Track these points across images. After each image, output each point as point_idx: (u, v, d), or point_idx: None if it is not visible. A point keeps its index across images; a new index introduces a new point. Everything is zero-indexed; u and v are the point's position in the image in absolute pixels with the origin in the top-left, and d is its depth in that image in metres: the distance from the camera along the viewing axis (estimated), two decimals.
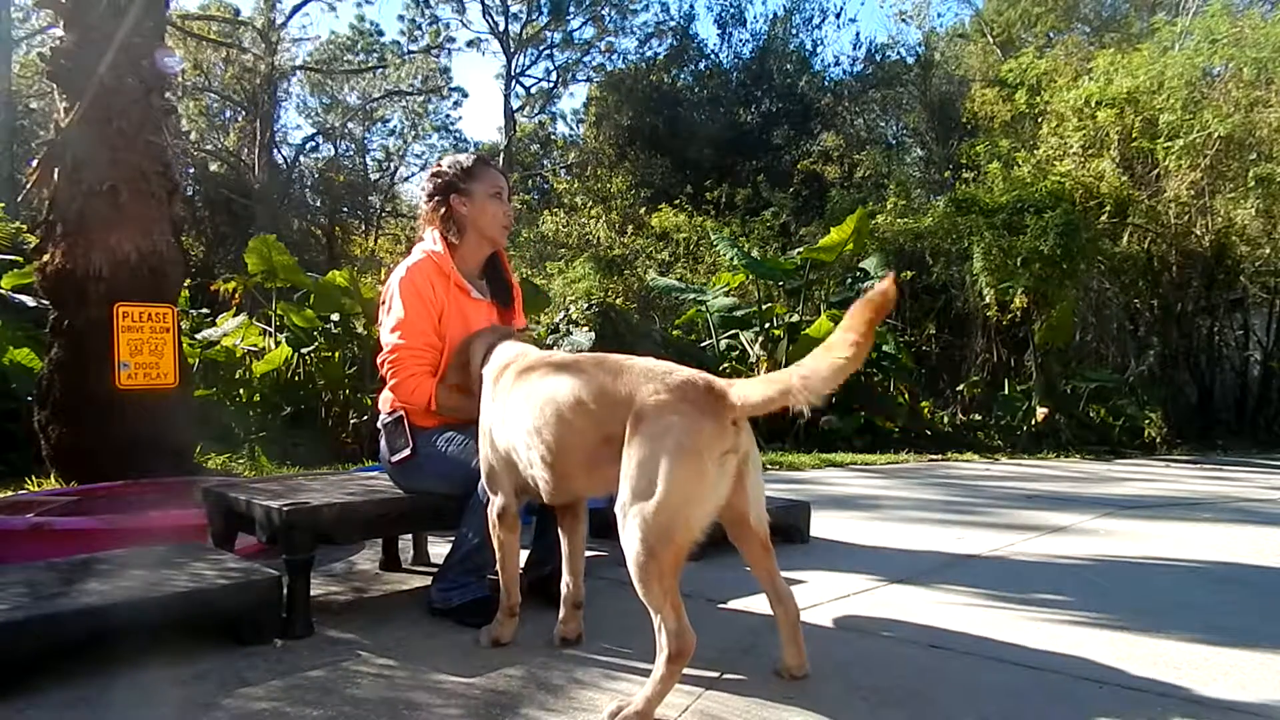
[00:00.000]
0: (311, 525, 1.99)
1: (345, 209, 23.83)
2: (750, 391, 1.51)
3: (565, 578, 1.95)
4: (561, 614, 1.95)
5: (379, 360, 2.32)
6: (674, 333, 9.99)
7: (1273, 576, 2.96)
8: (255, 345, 6.87)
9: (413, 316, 2.24)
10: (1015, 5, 15.60)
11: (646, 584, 1.47)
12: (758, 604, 2.30)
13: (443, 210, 2.35)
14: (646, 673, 1.52)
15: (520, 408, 1.78)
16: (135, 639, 1.72)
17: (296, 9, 21.82)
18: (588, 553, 2.00)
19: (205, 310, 8.13)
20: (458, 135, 25.86)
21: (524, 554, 2.15)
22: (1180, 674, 1.84)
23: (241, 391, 6.08)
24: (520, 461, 1.80)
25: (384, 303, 2.33)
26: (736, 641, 1.99)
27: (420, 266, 2.30)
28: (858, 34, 40.37)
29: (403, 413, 2.28)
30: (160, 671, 1.70)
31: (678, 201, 14.54)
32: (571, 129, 24.40)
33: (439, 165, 2.43)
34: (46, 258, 3.95)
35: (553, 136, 24.42)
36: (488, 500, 1.94)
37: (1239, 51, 9.73)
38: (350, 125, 24.74)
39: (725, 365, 8.82)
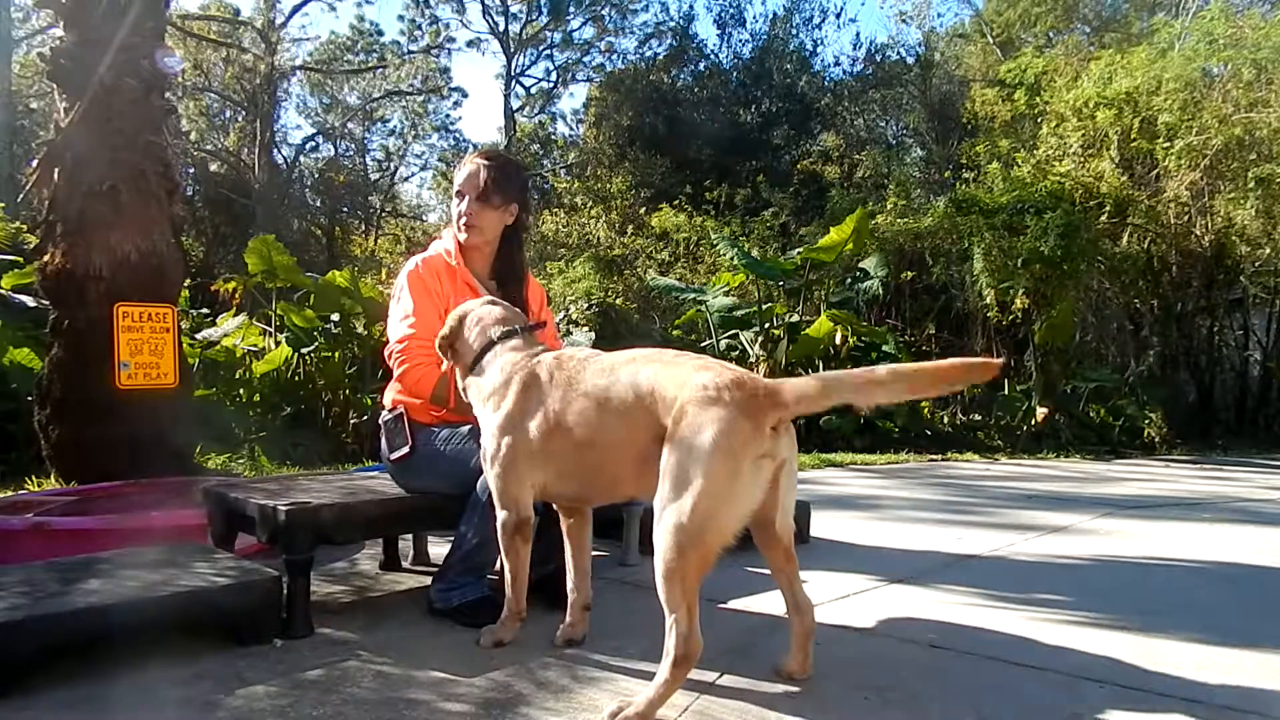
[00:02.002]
0: (311, 525, 1.98)
1: (345, 209, 23.84)
2: (807, 387, 1.52)
3: (571, 580, 1.94)
4: (569, 617, 1.95)
5: (386, 352, 2.33)
6: (674, 333, 9.98)
7: (1273, 576, 2.96)
8: (255, 345, 6.87)
9: (421, 307, 2.27)
10: (1015, 5, 15.61)
11: (669, 582, 1.46)
12: (758, 604, 2.30)
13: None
14: (647, 673, 1.52)
15: (568, 410, 1.71)
16: (135, 639, 1.72)
17: (296, 9, 21.87)
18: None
19: (205, 310, 8.12)
20: (458, 135, 25.90)
21: None
22: (1180, 674, 1.84)
23: (241, 391, 6.08)
24: (564, 469, 1.75)
25: (394, 296, 2.36)
26: (736, 641, 1.99)
27: (429, 261, 2.35)
28: (858, 34, 40.38)
29: (403, 410, 2.29)
30: (160, 671, 1.70)
31: (677, 201, 14.52)
32: (571, 129, 24.44)
33: None
34: (46, 258, 3.95)
35: (553, 136, 24.41)
36: (488, 500, 1.94)
37: (1238, 52, 9.72)
38: (350, 125, 24.75)
39: None
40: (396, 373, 2.28)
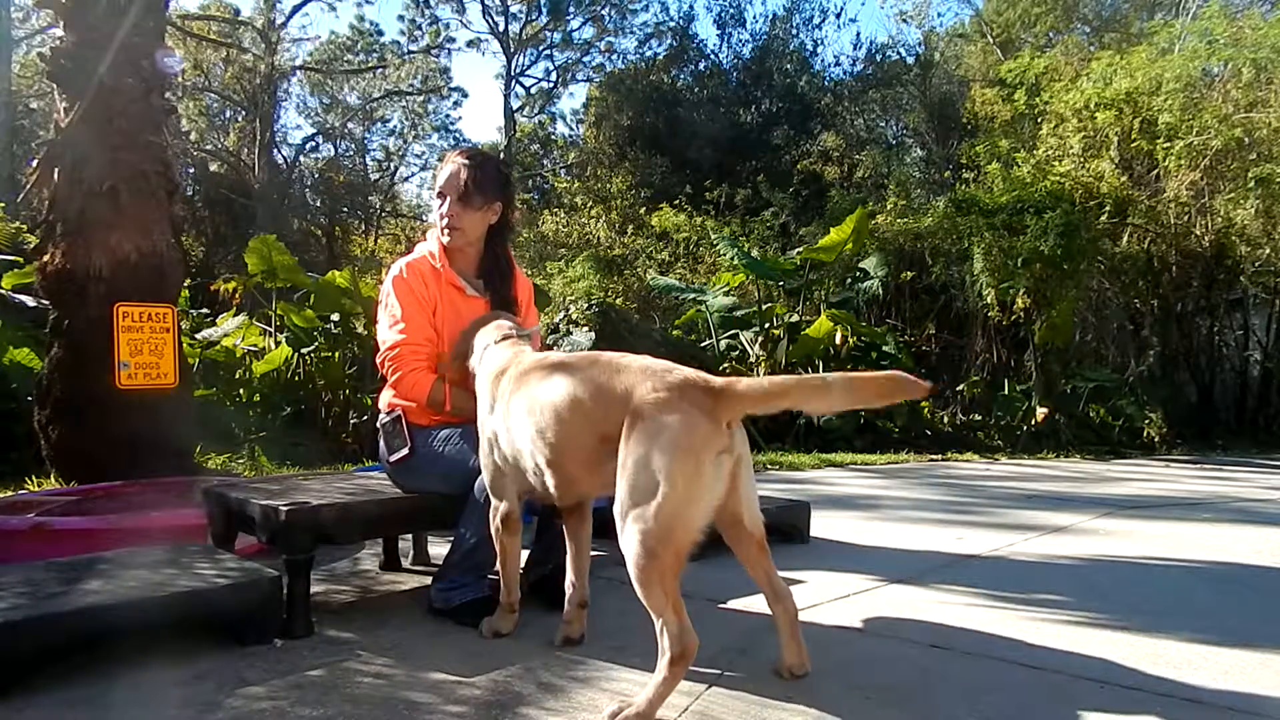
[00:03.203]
0: (311, 525, 1.99)
1: (345, 209, 23.81)
2: (755, 384, 1.54)
3: (570, 578, 1.95)
4: (566, 614, 1.94)
5: (379, 359, 2.32)
6: (674, 333, 9.99)
7: (1273, 576, 2.96)
8: (255, 345, 6.87)
9: (409, 312, 2.26)
10: (1015, 5, 15.60)
11: (648, 586, 1.46)
12: (757, 604, 2.29)
13: None
14: (647, 672, 1.52)
15: (521, 411, 1.77)
16: (135, 639, 1.72)
17: (296, 9, 21.86)
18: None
19: (205, 310, 8.12)
20: (458, 135, 25.91)
21: (524, 554, 2.15)
22: (1180, 674, 1.84)
23: (241, 391, 6.08)
24: (527, 466, 1.79)
25: (382, 302, 2.35)
26: (736, 641, 1.99)
27: (414, 264, 2.33)
28: (858, 34, 40.45)
29: (401, 412, 2.29)
30: (160, 671, 1.70)
31: (678, 201, 14.53)
32: (571, 129, 24.46)
33: None
34: (46, 258, 3.95)
35: (552, 136, 24.43)
36: (487, 501, 1.94)
37: (1237, 53, 9.72)
38: (350, 125, 24.74)
39: (725, 365, 8.82)
40: (390, 379, 2.28)
